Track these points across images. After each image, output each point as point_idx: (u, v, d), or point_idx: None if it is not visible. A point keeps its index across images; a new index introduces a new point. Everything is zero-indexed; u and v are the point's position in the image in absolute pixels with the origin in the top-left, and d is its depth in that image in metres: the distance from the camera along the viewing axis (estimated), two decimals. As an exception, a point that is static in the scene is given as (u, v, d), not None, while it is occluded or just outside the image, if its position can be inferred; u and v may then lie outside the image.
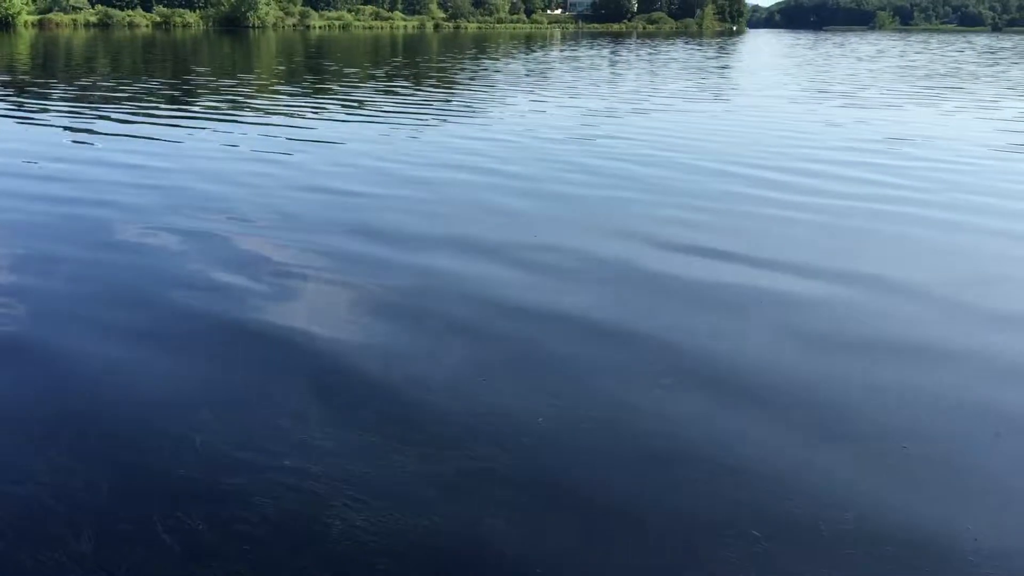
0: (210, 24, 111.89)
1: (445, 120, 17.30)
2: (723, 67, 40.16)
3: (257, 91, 23.91)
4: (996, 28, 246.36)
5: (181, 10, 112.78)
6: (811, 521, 3.57)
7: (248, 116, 17.63)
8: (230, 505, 3.66)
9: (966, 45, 75.02)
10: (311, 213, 8.96)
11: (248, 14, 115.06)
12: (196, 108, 18.82)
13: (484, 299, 6.29)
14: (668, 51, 58.12)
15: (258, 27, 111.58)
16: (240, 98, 21.34)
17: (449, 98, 22.21)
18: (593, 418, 4.44)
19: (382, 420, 4.39)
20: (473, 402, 4.57)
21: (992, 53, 59.68)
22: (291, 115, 17.76)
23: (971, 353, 5.37)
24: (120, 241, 7.88)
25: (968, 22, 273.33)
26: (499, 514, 3.63)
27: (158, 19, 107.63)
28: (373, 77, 29.20)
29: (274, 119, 17.12)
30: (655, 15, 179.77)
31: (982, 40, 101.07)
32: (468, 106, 20.26)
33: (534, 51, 56.03)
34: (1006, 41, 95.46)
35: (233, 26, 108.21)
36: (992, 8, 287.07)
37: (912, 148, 14.13)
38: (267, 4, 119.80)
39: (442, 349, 5.33)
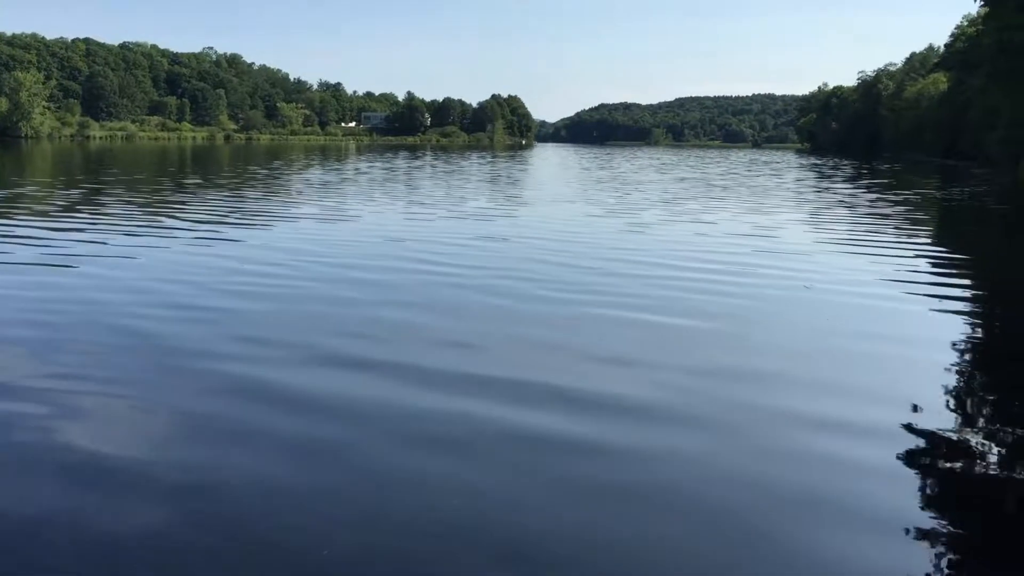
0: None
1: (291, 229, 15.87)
2: (535, 181, 40.21)
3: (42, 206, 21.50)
4: (756, 144, 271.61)
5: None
6: None
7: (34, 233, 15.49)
8: None
9: (739, 160, 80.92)
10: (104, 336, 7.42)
11: (20, 124, 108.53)
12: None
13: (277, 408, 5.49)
14: (472, 164, 58.56)
15: (32, 137, 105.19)
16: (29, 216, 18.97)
17: (275, 208, 20.72)
18: (386, 548, 3.81)
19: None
20: (254, 534, 3.92)
21: (764, 164, 64.90)
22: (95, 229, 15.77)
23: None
24: None
25: (732, 139, 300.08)
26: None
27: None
28: (168, 189, 27.23)
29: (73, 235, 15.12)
30: (448, 129, 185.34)
31: (749, 155, 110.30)
32: (306, 215, 18.84)
33: (341, 163, 55.10)
34: (769, 155, 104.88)
35: (3, 136, 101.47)
36: (752, 127, 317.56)
37: (768, 243, 15.00)
38: (42, 114, 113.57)
39: (224, 475, 4.53)
